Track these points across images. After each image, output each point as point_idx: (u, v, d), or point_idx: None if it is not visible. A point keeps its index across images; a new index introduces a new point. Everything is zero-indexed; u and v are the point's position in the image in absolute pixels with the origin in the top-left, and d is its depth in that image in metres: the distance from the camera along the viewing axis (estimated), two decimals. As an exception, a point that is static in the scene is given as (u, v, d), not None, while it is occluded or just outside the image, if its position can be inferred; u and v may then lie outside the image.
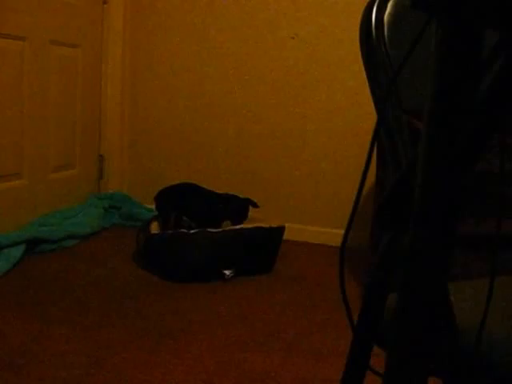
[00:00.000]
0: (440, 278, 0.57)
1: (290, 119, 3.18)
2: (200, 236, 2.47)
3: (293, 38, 3.14)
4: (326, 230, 3.19)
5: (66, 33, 3.02)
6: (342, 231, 3.16)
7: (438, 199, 0.56)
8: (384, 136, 0.97)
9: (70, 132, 3.13)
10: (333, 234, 3.17)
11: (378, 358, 0.93)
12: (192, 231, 2.49)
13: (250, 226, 2.59)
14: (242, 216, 2.75)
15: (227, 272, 2.49)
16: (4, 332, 1.92)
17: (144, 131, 3.44)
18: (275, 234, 2.65)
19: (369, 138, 3.02)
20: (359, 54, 1.00)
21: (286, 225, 3.21)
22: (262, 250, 2.62)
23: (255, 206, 2.77)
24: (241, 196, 2.84)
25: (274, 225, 2.64)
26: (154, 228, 2.63)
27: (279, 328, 2.09)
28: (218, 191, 2.90)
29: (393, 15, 1.00)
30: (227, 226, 2.67)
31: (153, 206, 3.14)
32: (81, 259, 2.66)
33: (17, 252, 2.51)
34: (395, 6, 1.01)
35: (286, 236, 3.19)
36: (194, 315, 2.15)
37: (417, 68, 0.94)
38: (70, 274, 2.47)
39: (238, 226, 2.58)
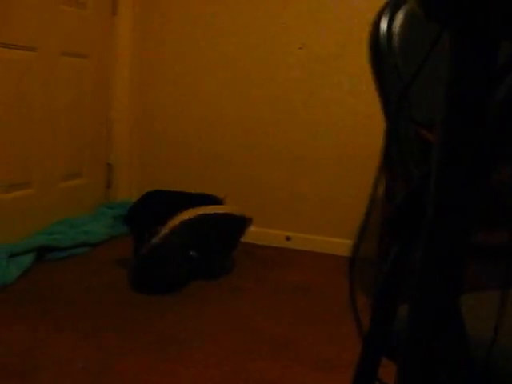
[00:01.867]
0: (452, 291, 0.57)
1: (297, 129, 3.18)
2: (158, 237, 2.47)
3: (300, 48, 3.14)
4: (331, 240, 3.18)
5: (76, 43, 3.04)
6: (348, 241, 3.15)
7: (452, 211, 0.56)
8: (393, 147, 0.97)
9: (78, 141, 3.15)
10: (338, 244, 3.16)
11: (386, 369, 0.92)
12: (153, 241, 2.48)
13: (207, 210, 2.59)
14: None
15: (192, 252, 2.51)
16: (11, 338, 1.92)
17: (152, 140, 3.45)
18: (233, 220, 2.66)
19: (376, 147, 3.01)
20: (368, 64, 1.00)
21: (292, 234, 3.21)
22: (220, 235, 2.63)
23: (219, 202, 2.75)
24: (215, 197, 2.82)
25: (236, 213, 2.66)
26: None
27: (286, 338, 2.09)
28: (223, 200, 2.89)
29: (402, 26, 1.00)
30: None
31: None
32: (89, 267, 2.66)
33: (26, 260, 2.52)
34: (405, 17, 1.01)
35: (291, 245, 3.20)
36: (200, 324, 2.15)
37: (426, 78, 0.94)
38: (78, 282, 2.47)
39: (189, 216, 2.55)
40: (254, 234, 3.05)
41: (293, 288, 2.60)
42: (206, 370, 1.80)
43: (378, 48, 0.99)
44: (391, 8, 1.01)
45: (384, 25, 0.99)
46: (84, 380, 1.70)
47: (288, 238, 3.22)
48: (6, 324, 2.03)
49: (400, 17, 1.00)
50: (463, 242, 0.56)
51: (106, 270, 2.65)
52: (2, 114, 2.57)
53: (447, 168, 0.56)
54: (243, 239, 2.80)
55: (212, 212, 2.58)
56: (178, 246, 2.48)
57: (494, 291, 0.93)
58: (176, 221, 2.50)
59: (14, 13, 2.58)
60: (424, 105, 0.97)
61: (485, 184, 0.56)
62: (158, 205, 2.74)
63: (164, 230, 2.48)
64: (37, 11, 2.71)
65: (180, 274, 2.51)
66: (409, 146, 0.97)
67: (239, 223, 2.69)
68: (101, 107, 3.33)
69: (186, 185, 3.35)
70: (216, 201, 2.75)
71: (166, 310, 2.26)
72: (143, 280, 2.52)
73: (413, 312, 0.60)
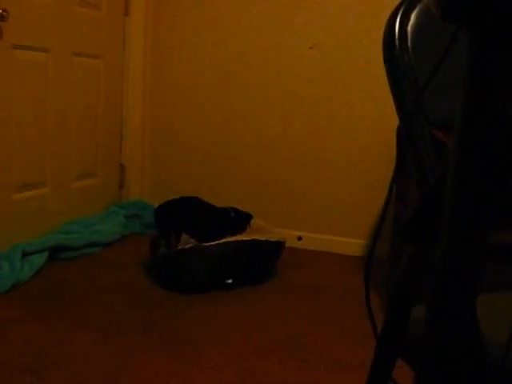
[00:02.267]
0: (470, 292, 0.57)
1: (309, 129, 3.18)
2: (195, 251, 2.49)
3: (311, 47, 3.14)
4: (342, 240, 3.18)
5: (89, 44, 3.06)
6: (359, 241, 3.15)
7: (469, 211, 0.56)
8: (408, 147, 0.97)
9: (92, 142, 3.16)
10: (350, 244, 3.16)
11: (400, 370, 0.92)
12: (187, 246, 2.51)
13: (246, 238, 2.60)
14: (241, 229, 2.79)
15: (229, 281, 2.50)
16: (27, 337, 1.94)
17: (164, 141, 3.46)
18: (272, 247, 2.65)
19: (389, 147, 3.01)
20: (382, 64, 1.00)
21: (304, 234, 3.22)
22: (258, 262, 2.62)
23: (248, 218, 2.82)
24: (241, 208, 2.88)
25: (272, 239, 2.64)
26: (163, 243, 2.64)
27: (299, 338, 2.09)
28: (234, 201, 2.92)
29: (416, 25, 1.00)
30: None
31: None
32: (102, 267, 2.68)
33: (40, 259, 2.54)
34: (419, 17, 1.01)
35: (303, 245, 3.20)
36: (212, 325, 2.15)
37: (440, 78, 0.93)
38: (91, 281, 2.49)
39: (232, 239, 2.57)
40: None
41: (305, 288, 2.60)
42: (219, 371, 1.81)
43: (393, 48, 0.99)
44: (405, 8, 1.01)
45: (398, 25, 0.99)
46: (99, 378, 1.71)
47: (299, 238, 3.22)
48: (21, 322, 2.05)
49: (414, 16, 1.00)
50: (481, 243, 0.56)
51: (119, 269, 2.66)
52: (17, 115, 2.59)
53: (464, 168, 0.56)
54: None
55: (251, 239, 2.59)
56: (212, 263, 2.50)
57: (509, 292, 0.92)
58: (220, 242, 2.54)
59: (28, 14, 2.60)
60: (439, 105, 0.97)
61: (503, 184, 0.56)
62: (194, 214, 2.77)
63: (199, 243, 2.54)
64: (51, 13, 2.73)
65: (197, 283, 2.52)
66: (423, 147, 0.97)
67: (276, 249, 2.69)
68: (114, 108, 3.34)
69: (197, 185, 3.36)
70: (244, 217, 2.80)
71: (179, 310, 2.27)
72: (161, 276, 2.55)
73: (430, 313, 0.60)
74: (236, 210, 2.85)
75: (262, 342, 2.03)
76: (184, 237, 2.66)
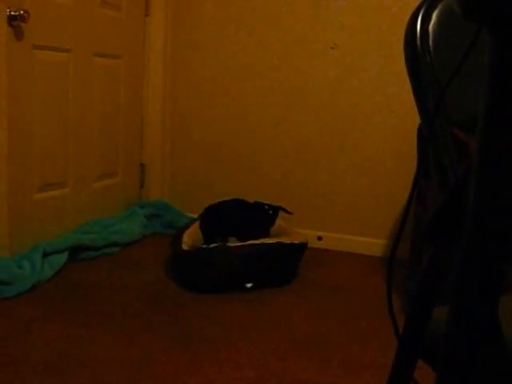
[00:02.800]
0: (492, 293, 0.57)
1: (331, 129, 3.18)
2: (219, 251, 2.50)
3: (333, 47, 3.13)
4: (362, 240, 3.17)
5: (109, 44, 3.08)
6: (380, 241, 3.13)
7: (492, 211, 0.55)
8: (429, 147, 0.97)
9: (112, 141, 3.19)
10: (370, 244, 3.14)
11: (420, 371, 0.91)
12: (212, 246, 2.51)
13: (271, 241, 2.59)
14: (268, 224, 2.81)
15: (248, 285, 2.50)
16: (47, 337, 1.96)
17: (184, 140, 3.47)
18: (296, 249, 2.65)
19: (409, 147, 2.99)
20: (403, 63, 1.00)
21: (324, 234, 3.21)
22: (282, 265, 2.62)
23: (288, 212, 2.82)
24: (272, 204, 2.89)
25: (296, 241, 2.63)
26: (186, 239, 2.64)
27: (318, 338, 2.08)
28: (254, 200, 2.93)
29: (438, 24, 0.99)
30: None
31: (193, 215, 3.18)
32: (122, 266, 2.69)
33: (60, 259, 2.56)
34: (440, 16, 1.00)
35: (323, 245, 3.20)
36: (232, 324, 2.16)
37: (462, 78, 0.93)
38: (111, 281, 2.51)
39: (259, 241, 2.57)
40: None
41: (325, 288, 2.59)
42: (239, 370, 1.81)
43: (414, 47, 0.98)
44: (427, 7, 1.01)
45: (420, 24, 0.99)
46: (119, 378, 1.73)
47: (319, 238, 3.21)
48: (42, 321, 2.07)
49: (435, 16, 1.00)
50: (503, 243, 0.55)
51: (139, 269, 2.68)
52: (38, 115, 2.62)
53: (488, 169, 0.56)
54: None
55: (275, 242, 2.60)
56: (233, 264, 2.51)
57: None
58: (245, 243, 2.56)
59: (49, 15, 2.62)
60: (460, 105, 0.97)
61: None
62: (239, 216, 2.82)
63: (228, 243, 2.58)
64: (71, 13, 2.76)
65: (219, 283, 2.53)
66: (444, 147, 0.96)
67: (300, 251, 2.69)
68: (134, 107, 3.36)
69: (217, 185, 3.37)
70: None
71: (199, 310, 2.28)
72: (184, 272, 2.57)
73: (451, 314, 0.60)
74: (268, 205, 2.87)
75: (282, 342, 2.03)
76: (232, 239, 2.71)
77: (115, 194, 3.25)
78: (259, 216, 2.82)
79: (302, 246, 2.66)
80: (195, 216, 3.06)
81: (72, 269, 2.60)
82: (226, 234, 2.74)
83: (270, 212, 2.82)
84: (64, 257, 2.59)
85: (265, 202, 2.91)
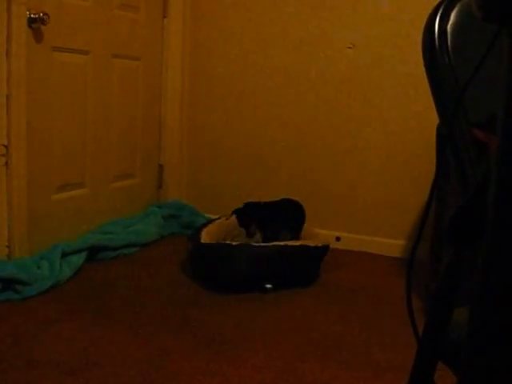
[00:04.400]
0: None
1: (347, 130, 3.17)
2: (242, 249, 2.50)
3: (350, 47, 3.12)
4: (381, 240, 3.15)
5: (128, 46, 3.10)
6: (399, 241, 3.12)
7: None
8: (448, 148, 0.96)
9: (131, 142, 3.21)
10: (389, 245, 3.13)
11: (439, 372, 0.91)
12: (235, 243, 2.52)
13: (295, 243, 2.59)
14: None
15: (268, 285, 2.50)
16: (66, 337, 1.97)
17: (202, 142, 3.48)
18: (319, 252, 2.64)
19: (429, 148, 2.97)
20: (421, 64, 0.99)
21: (342, 234, 3.20)
22: (304, 267, 2.62)
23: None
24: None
25: (319, 244, 2.63)
26: (205, 236, 2.65)
27: (337, 339, 2.08)
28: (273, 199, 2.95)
29: (456, 25, 0.99)
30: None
31: (210, 215, 3.20)
32: (140, 267, 2.71)
33: (79, 259, 2.58)
34: (459, 16, 1.00)
35: (342, 246, 3.19)
36: (250, 325, 2.16)
37: (481, 78, 0.92)
38: (129, 281, 2.52)
39: (282, 243, 2.58)
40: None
41: (344, 289, 2.59)
42: (256, 371, 1.81)
43: (432, 48, 0.98)
44: (445, 7, 1.00)
45: (438, 24, 0.98)
46: (137, 378, 1.73)
47: (338, 239, 3.20)
48: (60, 321, 2.09)
49: (454, 16, 0.99)
50: None
51: (157, 270, 2.69)
52: (57, 116, 2.64)
53: (508, 169, 0.55)
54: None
55: (298, 244, 2.60)
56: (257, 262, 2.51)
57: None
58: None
59: (68, 17, 2.64)
60: (479, 105, 0.96)
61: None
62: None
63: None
64: (90, 15, 2.78)
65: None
66: (464, 147, 0.96)
67: (322, 254, 2.69)
68: (152, 109, 3.38)
69: (235, 186, 3.37)
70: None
71: (217, 310, 2.28)
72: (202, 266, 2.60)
73: (472, 315, 0.59)
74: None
75: (301, 343, 2.03)
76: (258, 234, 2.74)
77: (133, 195, 3.27)
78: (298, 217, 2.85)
79: (325, 249, 2.66)
80: (212, 216, 3.07)
81: (90, 269, 2.61)
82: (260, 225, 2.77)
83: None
84: (82, 257, 2.60)
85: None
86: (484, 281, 0.57)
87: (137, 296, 2.37)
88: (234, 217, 2.85)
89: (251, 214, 2.84)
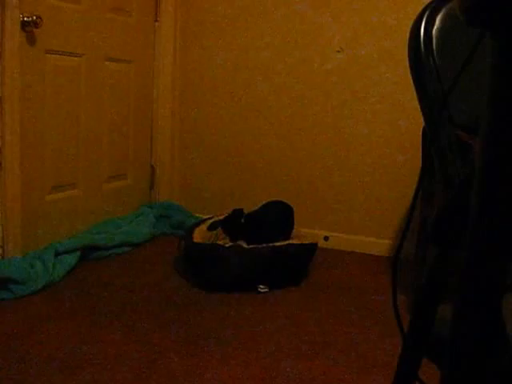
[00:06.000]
0: (495, 293, 0.57)
1: (337, 131, 3.19)
2: (234, 250, 2.52)
3: (338, 51, 3.15)
4: (369, 240, 3.18)
5: (120, 49, 3.11)
6: (386, 241, 3.15)
7: (496, 213, 0.56)
8: (433, 149, 0.98)
9: (122, 144, 3.22)
10: (376, 244, 3.16)
11: (424, 368, 0.93)
12: (227, 245, 2.54)
13: (282, 243, 2.62)
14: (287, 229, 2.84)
15: (261, 287, 2.52)
16: (59, 335, 1.99)
17: (193, 143, 3.50)
18: (307, 250, 2.67)
19: (415, 149, 3.01)
20: (408, 67, 1.01)
21: (331, 234, 3.23)
22: (293, 266, 2.63)
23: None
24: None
25: (306, 242, 2.66)
26: (197, 235, 2.67)
27: (325, 337, 2.10)
28: (261, 203, 2.97)
29: (441, 29, 1.00)
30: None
31: (201, 215, 3.22)
32: (132, 266, 2.73)
33: (72, 259, 2.60)
34: (444, 20, 1.01)
35: (330, 245, 3.21)
36: (241, 323, 2.18)
37: (465, 81, 0.94)
38: (121, 280, 2.54)
39: (271, 244, 2.60)
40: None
41: (332, 288, 2.61)
42: (246, 368, 1.83)
43: (418, 51, 0.99)
44: (430, 11, 1.02)
45: (423, 28, 1.00)
46: (129, 376, 1.75)
47: (326, 238, 3.23)
48: (54, 320, 2.10)
49: (439, 20, 1.01)
50: (507, 244, 0.56)
51: (149, 269, 2.70)
52: (51, 118, 2.66)
53: (491, 170, 0.56)
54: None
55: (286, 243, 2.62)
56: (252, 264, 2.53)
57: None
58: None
59: (61, 21, 2.66)
60: (464, 107, 0.98)
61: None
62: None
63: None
64: (83, 19, 2.80)
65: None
66: (448, 148, 0.98)
67: (311, 251, 2.71)
68: (144, 111, 3.40)
69: (225, 187, 3.39)
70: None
71: (208, 309, 2.30)
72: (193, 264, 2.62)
73: (455, 313, 0.60)
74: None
75: (290, 341, 2.05)
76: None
77: (125, 196, 3.28)
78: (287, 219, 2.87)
79: (312, 247, 2.68)
80: (203, 216, 3.09)
81: (83, 268, 2.63)
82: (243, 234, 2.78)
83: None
84: (75, 257, 2.62)
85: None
86: (466, 279, 0.58)
87: (129, 295, 2.38)
88: (219, 229, 2.86)
89: (237, 225, 2.84)
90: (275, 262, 2.53)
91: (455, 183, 0.95)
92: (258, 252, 2.52)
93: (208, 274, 2.53)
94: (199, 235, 2.66)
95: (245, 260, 2.49)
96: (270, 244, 2.58)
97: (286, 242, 2.61)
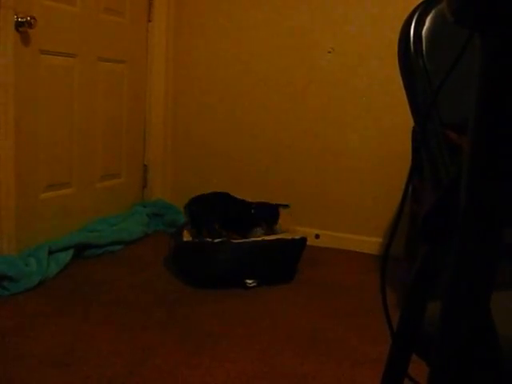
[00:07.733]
0: (484, 290, 0.58)
1: (328, 130, 3.21)
2: (224, 246, 2.53)
3: (330, 52, 3.16)
4: (360, 238, 3.20)
5: (113, 50, 3.13)
6: (376, 239, 3.17)
7: (484, 211, 0.57)
8: (422, 149, 0.99)
9: (116, 143, 3.23)
10: (367, 242, 3.18)
11: (414, 365, 0.94)
12: (216, 240, 2.55)
13: (272, 237, 2.63)
14: (272, 221, 2.84)
15: (249, 281, 2.53)
16: (53, 332, 2.00)
17: (186, 142, 3.51)
18: (297, 245, 2.68)
19: (405, 147, 3.02)
20: (398, 67, 1.02)
21: (322, 232, 3.24)
22: (283, 261, 2.65)
23: (286, 206, 2.88)
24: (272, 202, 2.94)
25: (296, 236, 2.67)
26: (187, 234, 2.68)
27: (317, 333, 2.12)
28: (254, 200, 2.98)
29: (431, 29, 1.01)
30: (258, 233, 2.76)
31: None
32: (125, 264, 2.74)
33: (66, 256, 2.61)
34: (434, 21, 1.02)
35: (321, 243, 3.23)
36: (232, 320, 2.20)
37: (455, 80, 0.95)
38: (114, 278, 2.55)
39: (260, 238, 2.62)
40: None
41: (323, 286, 2.63)
42: (237, 364, 1.85)
43: (407, 51, 1.00)
44: (420, 12, 1.03)
45: (413, 29, 1.01)
46: (122, 372, 1.77)
47: (317, 236, 3.25)
48: (47, 317, 2.12)
49: (429, 21, 1.02)
50: (495, 241, 0.57)
51: (142, 267, 2.72)
52: (45, 118, 2.67)
53: (479, 169, 0.57)
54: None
55: (274, 239, 2.64)
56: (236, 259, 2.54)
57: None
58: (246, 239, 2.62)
59: (55, 21, 2.67)
60: (452, 107, 0.99)
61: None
62: (225, 206, 2.88)
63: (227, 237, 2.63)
64: (77, 19, 2.81)
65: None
66: (437, 148, 0.98)
67: (300, 247, 2.72)
68: (137, 110, 3.41)
69: (218, 185, 3.40)
70: (283, 206, 2.89)
71: (200, 305, 2.32)
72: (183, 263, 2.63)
73: (444, 310, 0.61)
74: (266, 204, 2.92)
75: (281, 337, 2.07)
76: (216, 229, 2.75)
77: (119, 194, 3.29)
78: (245, 209, 2.90)
79: (302, 242, 2.70)
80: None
81: (77, 266, 2.64)
82: (212, 222, 2.79)
83: (252, 211, 2.89)
84: (69, 254, 2.63)
85: (266, 201, 2.97)
86: (454, 278, 0.59)
87: (122, 292, 2.40)
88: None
89: (211, 214, 2.85)
90: (264, 257, 2.54)
91: (444, 182, 0.95)
92: (246, 246, 2.53)
93: (197, 270, 2.54)
94: (189, 234, 2.67)
95: (232, 255, 2.50)
96: (260, 238, 2.60)
97: (275, 237, 2.63)
